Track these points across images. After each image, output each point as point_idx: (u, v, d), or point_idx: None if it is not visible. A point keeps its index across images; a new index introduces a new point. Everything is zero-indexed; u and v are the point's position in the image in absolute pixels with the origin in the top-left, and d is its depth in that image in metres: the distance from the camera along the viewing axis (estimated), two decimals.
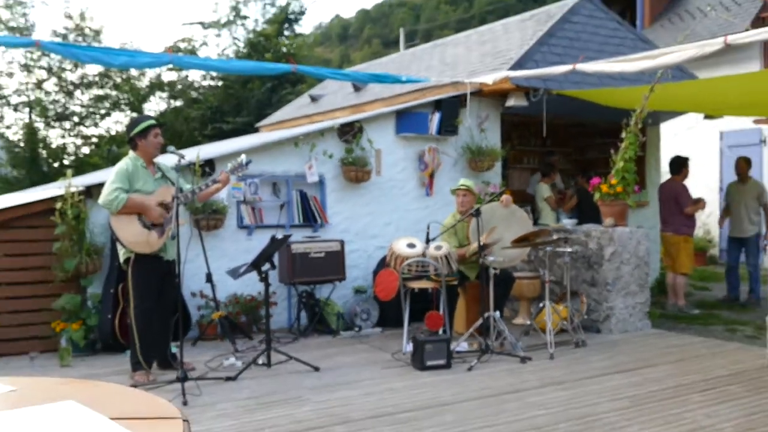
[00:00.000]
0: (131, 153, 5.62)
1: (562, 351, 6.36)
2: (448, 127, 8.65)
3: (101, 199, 5.45)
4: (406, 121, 8.60)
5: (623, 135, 7.20)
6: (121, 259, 5.58)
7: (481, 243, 6.27)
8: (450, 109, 8.68)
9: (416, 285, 6.58)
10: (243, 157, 5.82)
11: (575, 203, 9.65)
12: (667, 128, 12.27)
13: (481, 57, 10.18)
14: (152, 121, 5.65)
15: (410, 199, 8.63)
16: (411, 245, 6.76)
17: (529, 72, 8.23)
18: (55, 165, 24.05)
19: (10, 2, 24.31)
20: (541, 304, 6.81)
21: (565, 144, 11.67)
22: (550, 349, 6.22)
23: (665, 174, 10.08)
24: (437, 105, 8.71)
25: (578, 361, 6.06)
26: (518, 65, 8.68)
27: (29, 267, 6.74)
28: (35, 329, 6.67)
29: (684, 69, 9.66)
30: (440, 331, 6.17)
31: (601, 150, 10.81)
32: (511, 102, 8.76)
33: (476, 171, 8.81)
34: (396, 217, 8.51)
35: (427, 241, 6.87)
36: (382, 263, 7.67)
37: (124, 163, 5.57)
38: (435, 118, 8.63)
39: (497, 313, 6.33)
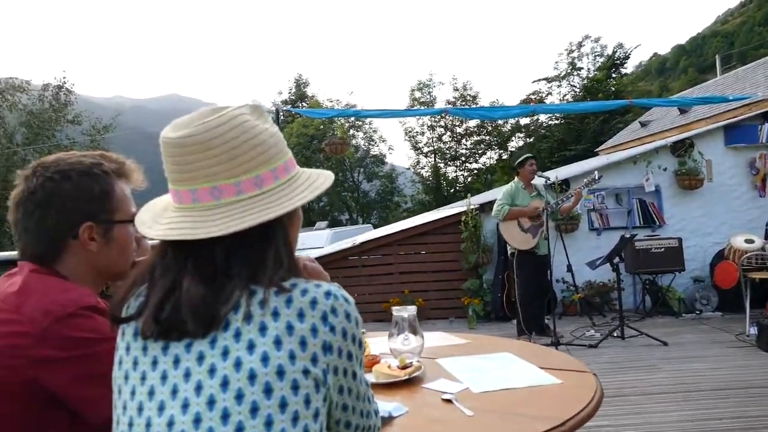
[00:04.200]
0: (516, 178, 5.73)
1: None
2: None
3: (493, 212, 5.67)
4: (735, 133, 7.28)
5: None
6: (509, 253, 5.70)
7: None
8: None
9: (757, 276, 5.46)
10: (596, 173, 5.53)
11: None
12: None
13: None
14: (529, 155, 5.69)
15: (742, 201, 7.24)
16: (749, 240, 5.67)
17: None
18: (451, 191, 26.01)
19: (421, 86, 27.15)
20: None
21: None
22: None
23: None
24: (765, 116, 7.20)
25: None
26: None
27: (446, 260, 7.31)
28: (451, 302, 7.20)
29: None
30: None
31: None
32: None
33: None
34: (729, 218, 7.20)
35: (766, 237, 5.68)
36: (719, 256, 6.56)
37: (509, 186, 5.72)
38: (765, 128, 7.14)
39: None
